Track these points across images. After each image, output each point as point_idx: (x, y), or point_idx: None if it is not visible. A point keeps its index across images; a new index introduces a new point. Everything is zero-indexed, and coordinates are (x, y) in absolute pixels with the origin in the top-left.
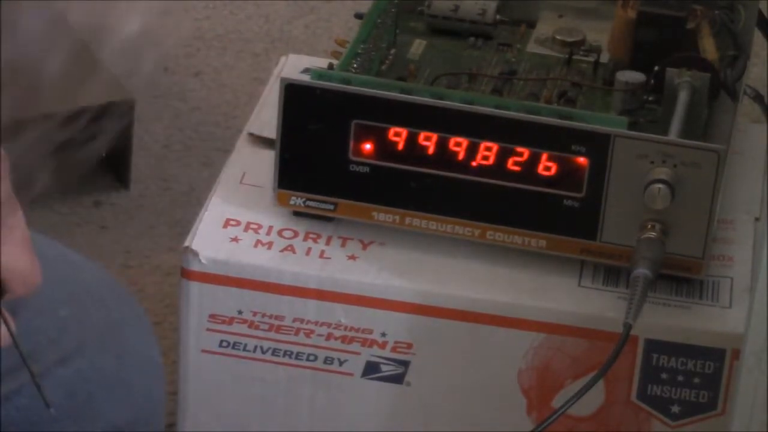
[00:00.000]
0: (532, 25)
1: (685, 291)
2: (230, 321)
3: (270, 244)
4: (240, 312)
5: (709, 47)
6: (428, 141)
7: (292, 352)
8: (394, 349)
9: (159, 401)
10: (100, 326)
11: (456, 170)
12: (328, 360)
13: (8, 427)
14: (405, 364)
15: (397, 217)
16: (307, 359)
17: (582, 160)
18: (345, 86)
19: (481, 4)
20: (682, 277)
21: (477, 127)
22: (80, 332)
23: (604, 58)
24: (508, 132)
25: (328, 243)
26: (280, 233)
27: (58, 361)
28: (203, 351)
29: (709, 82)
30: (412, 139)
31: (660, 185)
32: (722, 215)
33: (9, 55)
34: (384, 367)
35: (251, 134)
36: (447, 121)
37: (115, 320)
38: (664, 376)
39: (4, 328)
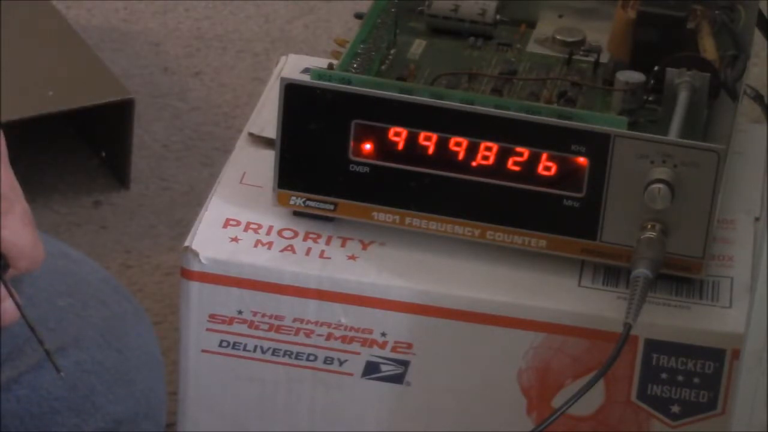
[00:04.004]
0: (532, 25)
1: (685, 291)
2: (230, 321)
3: (270, 244)
4: (240, 312)
5: (709, 47)
6: (428, 141)
7: (292, 352)
8: (394, 349)
9: (160, 396)
10: (99, 320)
11: (456, 170)
12: (328, 360)
13: (9, 419)
14: (405, 364)
15: (397, 217)
16: (307, 359)
17: (582, 160)
18: (345, 86)
19: (481, 4)
20: (682, 277)
21: (477, 127)
22: (79, 324)
23: (604, 58)
24: (508, 132)
25: (328, 243)
26: (280, 233)
27: (56, 350)
28: (203, 351)
29: (709, 82)
30: (412, 139)
31: (660, 185)
32: (722, 215)
33: None
34: (384, 367)
35: (251, 134)
36: (447, 121)
37: (115, 315)
38: (664, 376)
39: (10, 302)
